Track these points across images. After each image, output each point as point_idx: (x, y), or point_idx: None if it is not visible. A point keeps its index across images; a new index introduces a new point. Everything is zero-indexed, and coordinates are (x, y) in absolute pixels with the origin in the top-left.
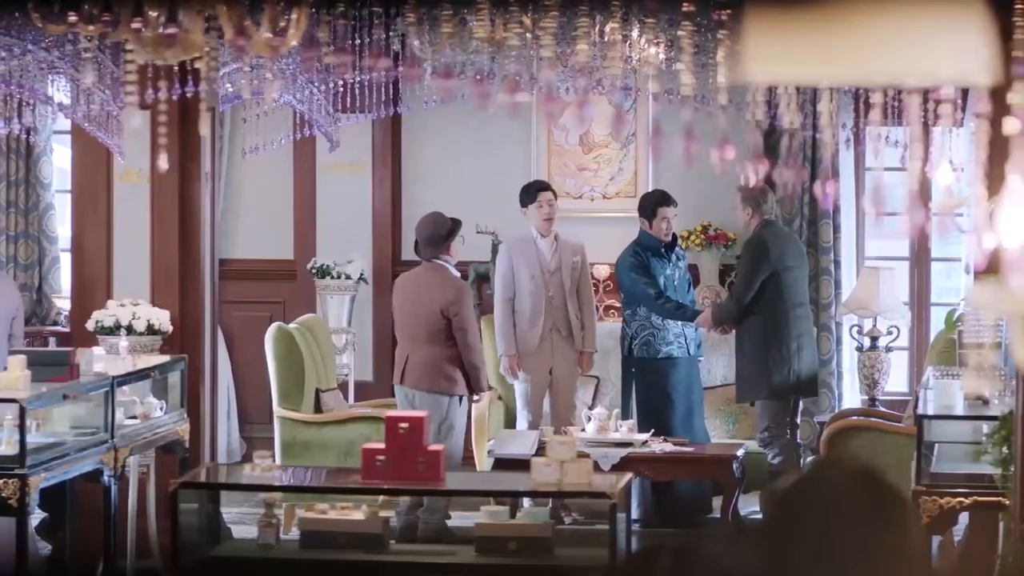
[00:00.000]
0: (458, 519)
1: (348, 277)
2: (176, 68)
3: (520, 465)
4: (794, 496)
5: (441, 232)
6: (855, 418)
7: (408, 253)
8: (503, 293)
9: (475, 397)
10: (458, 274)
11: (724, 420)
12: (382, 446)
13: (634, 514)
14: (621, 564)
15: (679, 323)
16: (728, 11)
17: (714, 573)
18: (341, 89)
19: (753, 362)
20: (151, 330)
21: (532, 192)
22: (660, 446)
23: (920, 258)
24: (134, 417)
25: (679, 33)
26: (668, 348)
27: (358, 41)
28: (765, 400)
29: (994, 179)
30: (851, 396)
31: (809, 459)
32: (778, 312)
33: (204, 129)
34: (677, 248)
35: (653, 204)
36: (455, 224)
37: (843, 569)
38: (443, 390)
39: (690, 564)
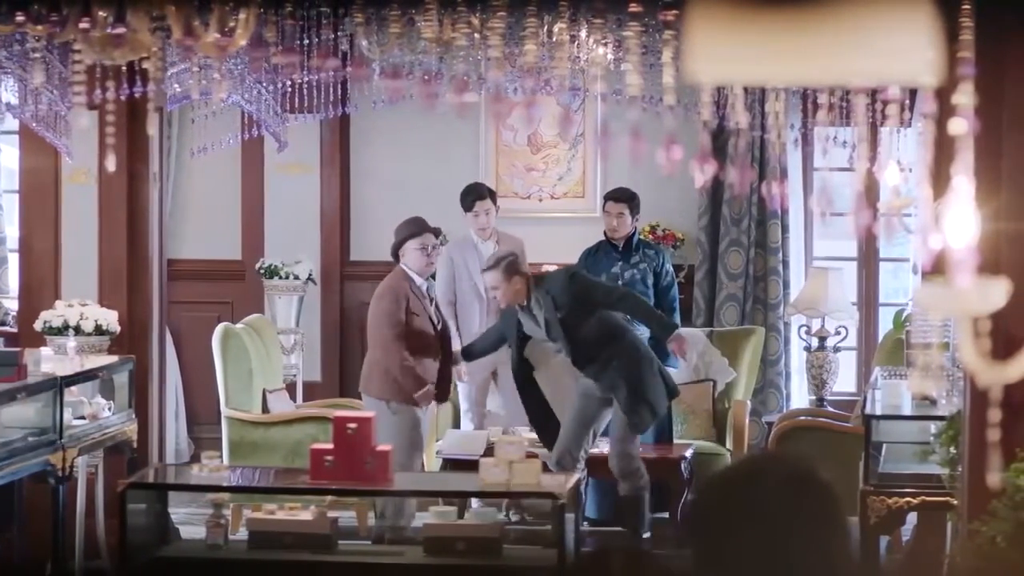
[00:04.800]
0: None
1: (296, 277)
2: (124, 68)
3: (468, 466)
4: (717, 494)
5: (398, 237)
6: (803, 418)
7: (356, 253)
8: (444, 297)
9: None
10: (421, 281)
11: (673, 421)
12: (330, 446)
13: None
14: (571, 566)
15: None
16: (675, 12)
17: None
18: (289, 89)
19: (640, 387)
20: (99, 330)
21: (469, 200)
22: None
23: (868, 258)
24: (82, 417)
25: (626, 34)
26: None
27: (306, 41)
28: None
29: (940, 180)
30: (799, 396)
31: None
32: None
33: (152, 129)
34: (644, 251)
35: (604, 198)
36: (412, 230)
37: (771, 568)
38: (372, 394)
39: (640, 567)
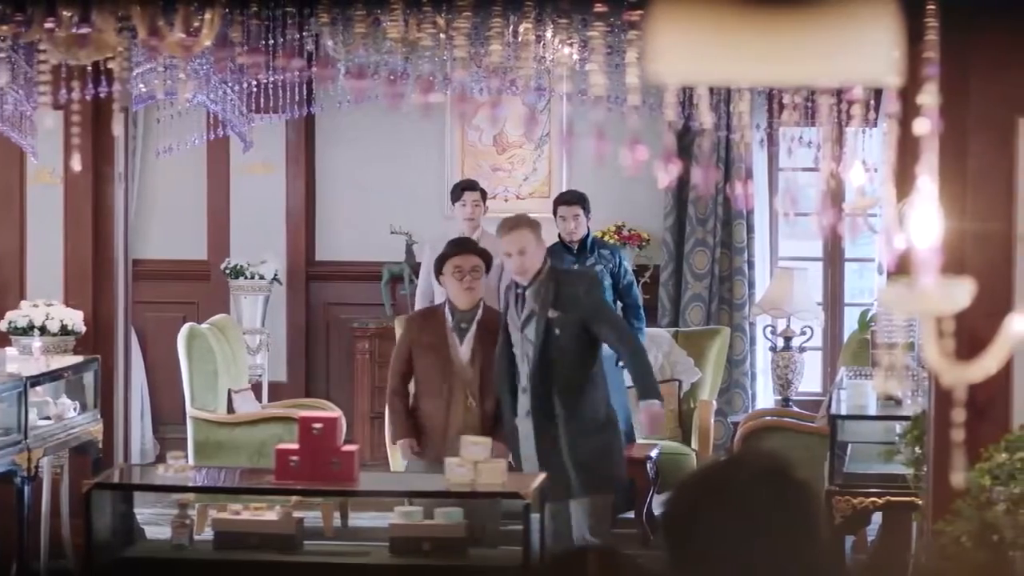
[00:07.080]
0: (372, 519)
1: (262, 277)
2: (89, 68)
3: None
4: (694, 492)
5: (436, 260)
6: (769, 418)
7: (321, 253)
8: (423, 287)
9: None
10: (449, 313)
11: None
12: (295, 447)
13: None
14: (547, 565)
15: None
16: (640, 12)
17: (635, 574)
18: (255, 89)
19: (603, 441)
20: (64, 330)
21: (458, 190)
22: None
23: (833, 258)
24: (47, 418)
25: (591, 34)
26: None
27: (271, 41)
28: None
29: (905, 180)
30: (764, 396)
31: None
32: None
33: (117, 129)
34: (600, 251)
35: (555, 203)
36: (444, 251)
37: (746, 567)
38: None
39: (614, 565)
